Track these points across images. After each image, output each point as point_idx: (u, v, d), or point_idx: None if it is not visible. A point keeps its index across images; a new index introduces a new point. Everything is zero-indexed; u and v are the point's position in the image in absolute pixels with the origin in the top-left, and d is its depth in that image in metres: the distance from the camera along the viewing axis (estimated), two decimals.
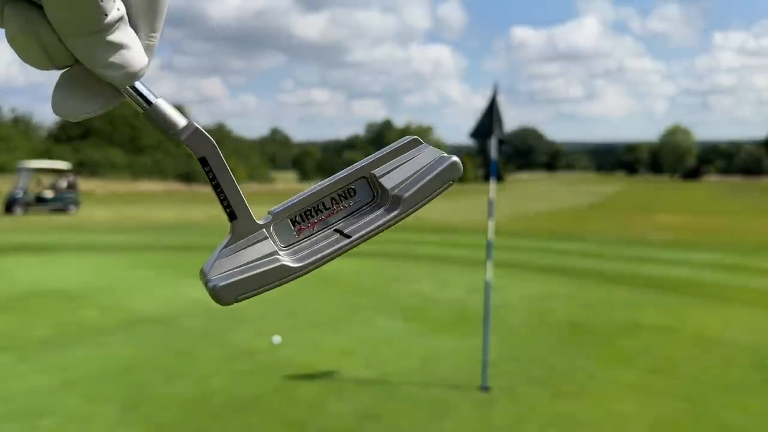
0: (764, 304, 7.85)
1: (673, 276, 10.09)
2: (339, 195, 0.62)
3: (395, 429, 4.02)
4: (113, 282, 9.19)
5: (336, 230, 0.61)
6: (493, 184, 5.46)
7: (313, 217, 0.62)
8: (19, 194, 24.27)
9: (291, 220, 0.61)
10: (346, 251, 0.60)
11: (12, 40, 0.52)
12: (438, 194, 0.63)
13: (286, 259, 0.59)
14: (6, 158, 36.84)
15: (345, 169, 0.63)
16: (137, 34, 0.54)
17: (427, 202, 0.62)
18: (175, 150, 53.20)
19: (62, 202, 24.96)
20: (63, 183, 25.53)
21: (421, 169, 0.63)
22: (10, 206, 23.79)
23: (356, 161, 0.64)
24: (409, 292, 8.41)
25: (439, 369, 5.18)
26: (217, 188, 0.59)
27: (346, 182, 0.63)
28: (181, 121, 0.56)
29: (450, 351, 5.67)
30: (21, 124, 50.93)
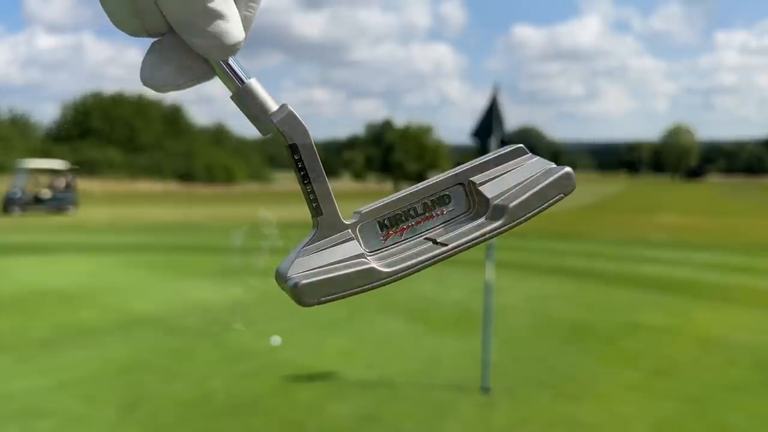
0: (767, 305, 7.84)
1: (675, 276, 10.08)
2: (432, 201, 0.57)
3: (396, 430, 4.00)
4: (112, 282, 9.17)
5: (427, 239, 0.56)
6: None
7: (402, 222, 0.56)
8: (17, 194, 24.29)
9: (378, 223, 0.56)
10: (440, 261, 0.55)
11: (103, 0, 0.49)
12: (547, 207, 0.56)
13: (375, 263, 0.54)
14: (4, 158, 36.84)
15: (441, 174, 0.58)
16: (236, 4, 0.51)
17: (535, 215, 0.56)
18: (174, 150, 53.38)
19: (60, 202, 24.99)
20: (61, 183, 25.55)
21: (528, 178, 0.57)
22: (7, 206, 23.81)
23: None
24: (410, 293, 8.38)
25: (440, 370, 5.17)
26: (306, 179, 0.54)
27: (441, 187, 0.57)
28: (273, 105, 0.52)
29: (451, 352, 5.66)
30: (19, 124, 50.94)
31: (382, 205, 0.56)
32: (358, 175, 75.47)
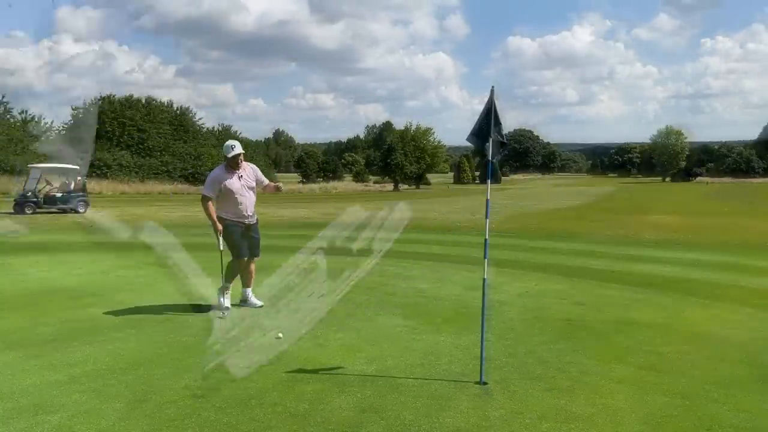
0: (755, 302, 7.95)
1: (666, 275, 10.20)
2: None
3: (396, 422, 4.12)
4: (121, 280, 9.31)
5: None
6: (489, 186, 5.61)
7: None
8: (29, 195, 24.51)
9: None
10: None
11: None
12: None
13: None
14: (16, 159, 36.98)
15: None
16: None
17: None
18: (182, 152, 53.69)
19: (71, 203, 25.20)
20: (72, 184, 25.76)
21: None
22: (19, 206, 24.06)
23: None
24: (409, 290, 8.50)
25: (438, 364, 5.29)
26: None
27: None
28: None
29: (449, 347, 5.78)
30: (31, 126, 51.15)
31: None
32: (358, 176, 75.17)
